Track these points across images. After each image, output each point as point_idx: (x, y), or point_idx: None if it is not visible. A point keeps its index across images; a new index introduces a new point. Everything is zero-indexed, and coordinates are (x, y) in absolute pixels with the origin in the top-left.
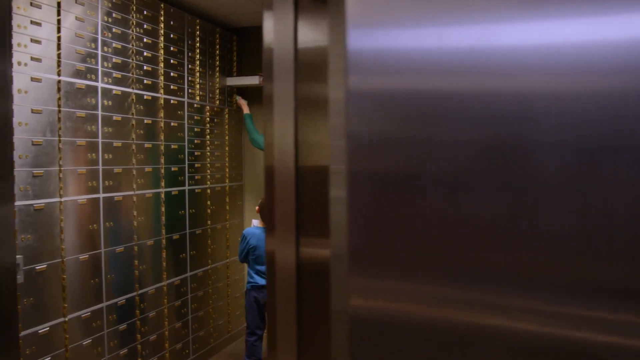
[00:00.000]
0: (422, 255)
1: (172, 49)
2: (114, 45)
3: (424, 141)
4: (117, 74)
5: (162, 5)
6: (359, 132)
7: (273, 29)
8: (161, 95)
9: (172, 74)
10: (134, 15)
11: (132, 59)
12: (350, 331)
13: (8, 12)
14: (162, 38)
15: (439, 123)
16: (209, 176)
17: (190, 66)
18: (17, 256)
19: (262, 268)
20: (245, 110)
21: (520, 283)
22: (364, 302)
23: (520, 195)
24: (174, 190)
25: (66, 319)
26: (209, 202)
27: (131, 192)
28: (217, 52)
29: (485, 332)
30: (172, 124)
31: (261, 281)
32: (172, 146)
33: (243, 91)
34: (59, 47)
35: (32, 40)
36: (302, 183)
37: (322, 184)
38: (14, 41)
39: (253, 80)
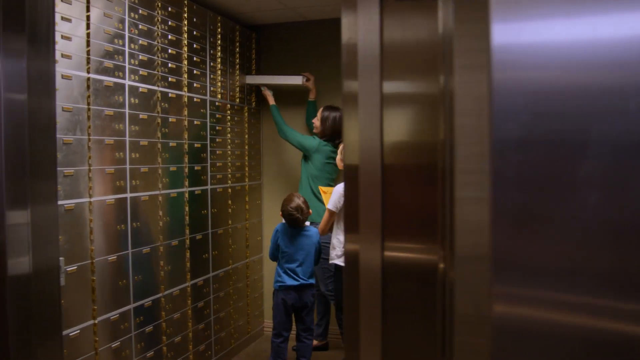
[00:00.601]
0: (576, 261)
1: (195, 46)
2: (140, 42)
3: (578, 139)
4: (143, 72)
5: (185, 2)
6: (506, 130)
7: (357, 25)
8: (185, 93)
9: (195, 72)
10: (159, 11)
11: (158, 56)
12: (492, 339)
13: (52, 11)
14: (185, 35)
15: (595, 120)
16: (229, 175)
17: (212, 64)
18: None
19: (292, 266)
20: (271, 101)
21: None
22: (507, 309)
23: None
24: (197, 189)
25: (96, 322)
26: (230, 202)
27: (157, 192)
28: (237, 49)
29: None
30: (195, 122)
31: (289, 281)
32: (195, 145)
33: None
34: (88, 43)
35: (62, 37)
36: (387, 183)
37: (413, 183)
38: None
39: (294, 80)
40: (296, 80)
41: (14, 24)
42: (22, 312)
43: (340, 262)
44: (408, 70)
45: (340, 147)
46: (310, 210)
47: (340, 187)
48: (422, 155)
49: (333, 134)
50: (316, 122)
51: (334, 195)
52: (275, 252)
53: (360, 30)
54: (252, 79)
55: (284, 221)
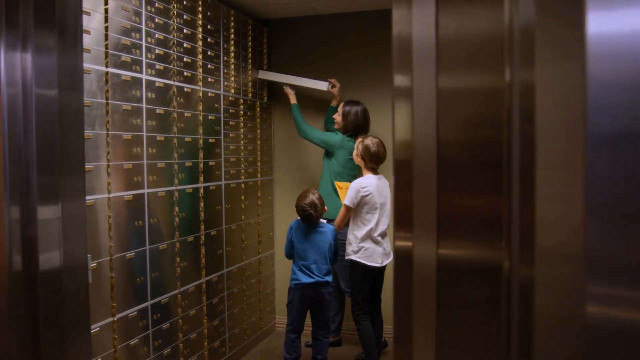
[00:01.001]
0: None
1: (209, 40)
2: (156, 35)
3: None
4: (159, 66)
5: None
6: (601, 124)
7: (410, 17)
8: (200, 88)
9: (209, 66)
10: (174, 4)
11: (173, 50)
12: (583, 340)
13: (80, 6)
14: (200, 29)
15: None
16: (242, 170)
17: (225, 58)
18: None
19: (306, 263)
20: (293, 100)
21: None
22: (601, 310)
23: None
24: (212, 185)
25: (115, 319)
26: (242, 197)
27: (173, 188)
28: (250, 44)
29: None
30: (209, 117)
31: (304, 279)
32: (210, 140)
33: (273, 85)
34: (105, 37)
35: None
36: (443, 178)
37: (471, 179)
38: None
39: (318, 85)
40: (321, 85)
41: (44, 20)
42: (52, 307)
43: (355, 257)
44: (465, 64)
45: (357, 142)
46: (326, 207)
47: (357, 183)
48: (482, 150)
49: (355, 129)
50: (337, 117)
51: (350, 191)
52: (290, 250)
53: (415, 22)
54: (274, 77)
55: (299, 218)
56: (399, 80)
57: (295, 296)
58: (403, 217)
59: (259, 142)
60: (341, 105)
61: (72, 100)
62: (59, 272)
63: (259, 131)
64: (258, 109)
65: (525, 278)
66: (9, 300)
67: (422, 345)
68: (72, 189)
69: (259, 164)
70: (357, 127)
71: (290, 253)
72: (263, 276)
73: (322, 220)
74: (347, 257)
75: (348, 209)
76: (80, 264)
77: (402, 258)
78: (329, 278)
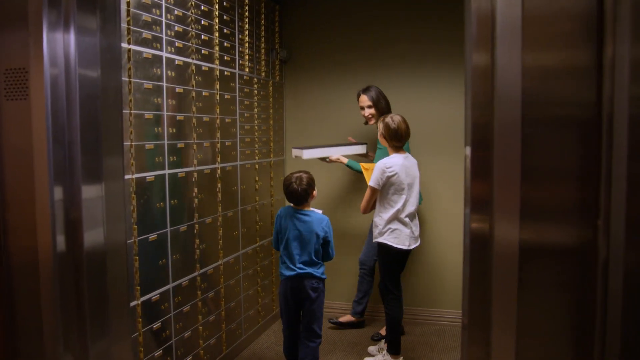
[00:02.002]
0: None
1: (225, 17)
2: (175, 12)
3: None
4: (179, 43)
5: None
6: None
7: None
8: (216, 66)
9: (225, 44)
10: None
11: (191, 28)
12: None
13: None
14: (216, 6)
15: None
16: (256, 151)
17: (240, 36)
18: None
19: (288, 253)
20: (344, 160)
21: None
22: None
23: None
24: (228, 165)
25: (139, 302)
26: (257, 178)
27: (192, 168)
28: (263, 22)
29: None
30: (225, 96)
31: (286, 271)
32: (226, 120)
33: (286, 62)
34: (128, 13)
35: None
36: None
37: (558, 160)
38: None
39: (358, 150)
40: (360, 149)
41: (87, 1)
42: (96, 286)
43: (382, 239)
44: (552, 39)
45: (380, 124)
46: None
47: (381, 163)
48: (572, 129)
49: (390, 111)
50: (368, 109)
51: (375, 172)
52: (276, 239)
53: None
54: (314, 153)
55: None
56: (477, 58)
57: (281, 290)
58: (481, 199)
59: (271, 122)
60: (362, 94)
61: (112, 80)
62: (102, 252)
63: (271, 111)
64: (270, 88)
65: (633, 264)
66: (53, 279)
67: (502, 327)
68: (113, 168)
69: (271, 144)
70: (389, 108)
71: (277, 243)
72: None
73: (315, 210)
74: (374, 241)
75: (373, 190)
76: (120, 243)
77: (479, 240)
78: (313, 270)
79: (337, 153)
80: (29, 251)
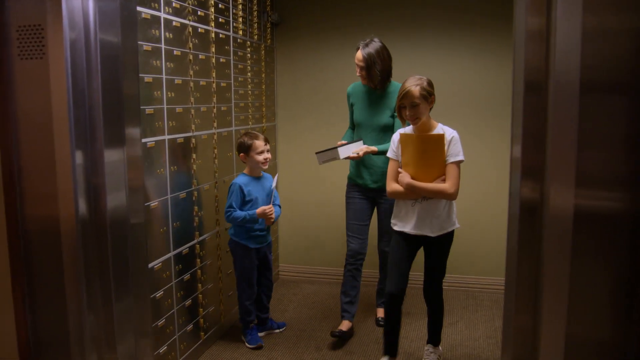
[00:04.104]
0: None
1: None
2: None
3: None
4: (176, 3)
5: None
6: None
7: None
8: (212, 29)
9: (220, 6)
10: None
11: None
12: None
13: None
14: None
15: None
16: (250, 116)
17: None
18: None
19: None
20: (373, 148)
21: None
22: None
23: None
24: (224, 131)
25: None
26: None
27: (190, 134)
28: None
29: None
30: (221, 59)
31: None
32: (222, 84)
33: (278, 25)
34: None
35: None
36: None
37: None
38: None
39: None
40: (359, 145)
41: None
42: (119, 250)
43: (457, 225)
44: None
45: (416, 87)
46: (242, 155)
47: (454, 133)
48: (630, 96)
49: (388, 78)
50: (359, 69)
51: (459, 144)
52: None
53: None
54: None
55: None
56: (532, 20)
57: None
58: (532, 166)
59: (263, 87)
60: (360, 52)
61: (129, 43)
62: (125, 217)
63: (263, 75)
64: (262, 52)
65: None
66: (76, 247)
67: (554, 294)
68: (132, 132)
69: (264, 110)
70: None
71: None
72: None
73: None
74: (446, 231)
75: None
76: (140, 207)
77: (529, 207)
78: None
79: (349, 150)
80: (50, 219)
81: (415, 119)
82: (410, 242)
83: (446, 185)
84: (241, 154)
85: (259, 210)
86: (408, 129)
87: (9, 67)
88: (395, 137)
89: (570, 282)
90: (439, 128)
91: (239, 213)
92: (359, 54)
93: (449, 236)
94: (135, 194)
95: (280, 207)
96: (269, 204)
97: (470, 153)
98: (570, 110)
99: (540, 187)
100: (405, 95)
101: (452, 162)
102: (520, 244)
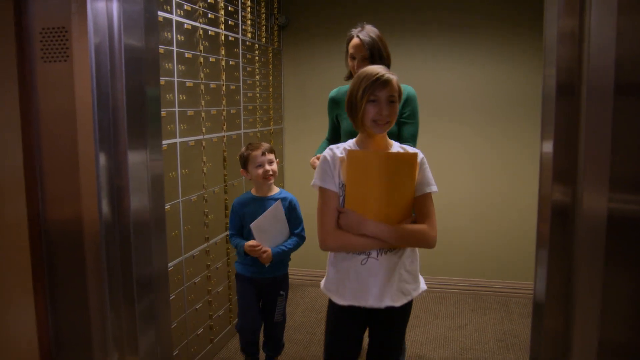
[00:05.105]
0: None
1: None
2: None
3: None
4: (187, 6)
5: None
6: None
7: None
8: (222, 31)
9: (229, 8)
10: None
11: None
12: None
13: None
14: None
15: None
16: (258, 119)
17: (242, 0)
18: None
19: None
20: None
21: None
22: None
23: None
24: (234, 134)
25: None
26: None
27: (200, 137)
28: None
29: None
30: (230, 62)
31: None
32: (231, 87)
33: (284, 28)
34: None
35: None
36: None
37: None
38: None
39: None
40: None
41: None
42: (143, 253)
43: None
44: None
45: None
46: (242, 171)
47: (331, 153)
48: None
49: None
50: (361, 61)
51: (428, 169)
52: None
53: None
54: None
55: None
56: (565, 21)
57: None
58: (564, 169)
59: (271, 90)
60: (354, 42)
61: (150, 45)
62: (147, 219)
63: (270, 78)
64: (270, 55)
65: None
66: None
67: (586, 301)
68: (154, 134)
69: (271, 112)
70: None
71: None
72: None
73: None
74: (409, 300)
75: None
76: (162, 210)
77: (560, 211)
78: None
79: None
80: (73, 221)
81: (386, 123)
82: (358, 320)
83: (426, 227)
84: (241, 170)
85: (247, 244)
86: (350, 143)
87: (32, 70)
88: (331, 154)
89: (604, 287)
90: (397, 146)
91: (235, 241)
92: (357, 41)
93: (411, 302)
94: (157, 196)
95: (300, 236)
96: (281, 232)
97: (479, 156)
98: (604, 113)
99: (572, 190)
100: (383, 83)
101: (426, 194)
102: (551, 248)
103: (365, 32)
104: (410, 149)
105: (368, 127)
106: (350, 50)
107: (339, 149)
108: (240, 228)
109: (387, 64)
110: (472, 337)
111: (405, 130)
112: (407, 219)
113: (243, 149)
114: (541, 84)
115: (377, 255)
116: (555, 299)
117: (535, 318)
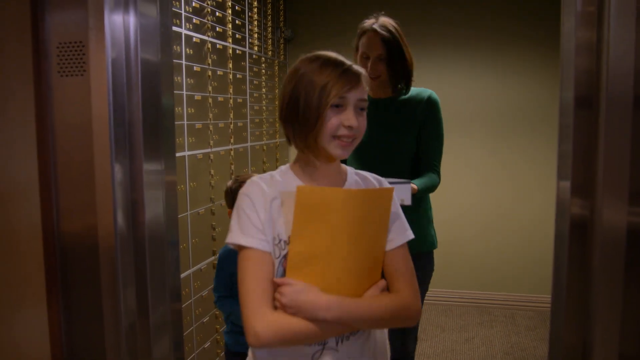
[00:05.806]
0: None
1: None
2: None
3: None
4: (196, 20)
5: None
6: None
7: None
8: (229, 45)
9: (237, 22)
10: None
11: (207, 3)
12: None
13: None
14: None
15: None
16: (264, 132)
17: (249, 14)
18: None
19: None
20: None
21: None
22: None
23: None
24: (241, 147)
25: None
26: (264, 159)
27: (208, 150)
28: None
29: None
30: (237, 75)
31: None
32: (238, 100)
33: (290, 41)
34: None
35: None
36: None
37: None
38: None
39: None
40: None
41: None
42: (157, 260)
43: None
44: None
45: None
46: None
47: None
48: None
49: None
50: (377, 61)
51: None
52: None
53: None
54: None
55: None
56: (582, 32)
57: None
58: (582, 182)
59: (277, 103)
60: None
61: (166, 59)
62: (162, 234)
63: (277, 91)
64: (276, 67)
65: None
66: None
67: (605, 315)
68: (169, 147)
69: (277, 125)
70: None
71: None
72: None
73: None
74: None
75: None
76: (175, 221)
77: (578, 224)
78: None
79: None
80: (88, 235)
81: (353, 141)
82: None
83: (407, 296)
84: (229, 210)
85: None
86: (285, 172)
87: (49, 84)
88: (259, 189)
89: (624, 301)
90: (352, 173)
91: (222, 304)
92: (372, 35)
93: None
94: (171, 209)
95: None
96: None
97: (484, 169)
98: (623, 125)
99: (590, 204)
100: (354, 78)
101: (402, 245)
102: (569, 262)
103: (382, 24)
104: (372, 176)
105: (325, 146)
106: (362, 49)
107: (274, 180)
108: (231, 286)
109: (409, 71)
110: (479, 351)
111: (430, 150)
112: (378, 285)
113: (229, 182)
114: (558, 96)
115: (337, 344)
116: (574, 314)
117: (553, 333)
